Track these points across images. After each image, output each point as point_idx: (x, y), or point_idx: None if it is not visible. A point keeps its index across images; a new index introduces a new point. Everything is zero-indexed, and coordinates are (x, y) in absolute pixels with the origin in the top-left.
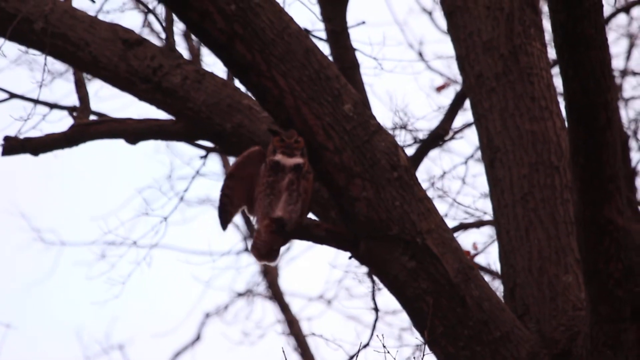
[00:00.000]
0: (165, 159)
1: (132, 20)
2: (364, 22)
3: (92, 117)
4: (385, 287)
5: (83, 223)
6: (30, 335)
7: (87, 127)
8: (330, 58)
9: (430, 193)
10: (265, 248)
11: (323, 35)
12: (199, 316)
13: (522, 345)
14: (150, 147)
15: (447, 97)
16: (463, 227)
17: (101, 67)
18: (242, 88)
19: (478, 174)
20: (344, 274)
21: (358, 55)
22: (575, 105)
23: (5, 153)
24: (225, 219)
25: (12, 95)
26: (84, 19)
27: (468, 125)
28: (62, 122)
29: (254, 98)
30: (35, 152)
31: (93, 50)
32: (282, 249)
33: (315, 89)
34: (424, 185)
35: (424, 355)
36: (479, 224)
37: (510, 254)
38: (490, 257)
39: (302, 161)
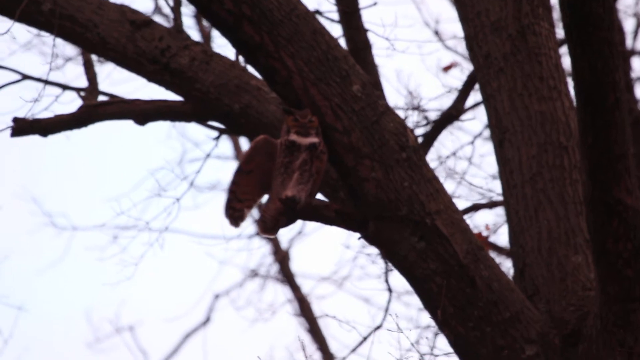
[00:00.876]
0: (176, 142)
1: (143, 3)
2: (375, 3)
3: (102, 98)
4: (395, 267)
5: (95, 207)
6: (41, 318)
7: (96, 108)
8: (343, 39)
9: (439, 173)
10: (272, 223)
11: (335, 16)
12: (210, 298)
13: (532, 326)
14: (161, 130)
15: (455, 77)
16: (475, 207)
17: (109, 48)
18: (250, 69)
19: (486, 153)
20: (356, 253)
21: (370, 35)
22: (583, 85)
23: (14, 134)
24: (231, 215)
25: (24, 77)
26: (92, 0)
27: (477, 104)
28: (74, 104)
29: (262, 79)
30: (44, 133)
31: (101, 32)
32: (290, 225)
33: (324, 69)
34: (433, 165)
35: (436, 336)
36: (491, 204)
37: (519, 234)
38: (503, 238)
39: (317, 140)
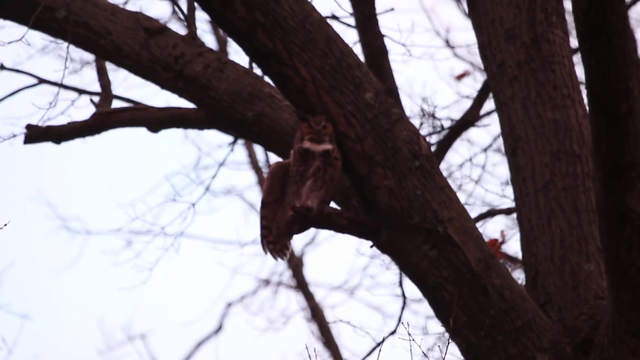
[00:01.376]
0: (191, 147)
1: (159, 10)
2: (392, 9)
3: (117, 103)
4: (407, 276)
5: (109, 211)
6: (53, 325)
7: (109, 115)
8: (359, 45)
9: (450, 182)
10: (285, 230)
11: (351, 21)
12: (222, 306)
13: (544, 334)
14: (177, 135)
15: (468, 86)
16: (489, 214)
17: (123, 56)
18: (264, 76)
19: (498, 162)
20: (369, 261)
21: (386, 41)
22: (597, 93)
23: (27, 141)
24: (273, 250)
25: (41, 81)
26: (106, 7)
27: (490, 112)
28: (91, 108)
29: (275, 86)
30: (57, 140)
31: (115, 39)
32: (303, 232)
33: (337, 77)
34: (444, 173)
35: (448, 344)
36: (505, 211)
37: (532, 242)
38: (515, 246)
39: (330, 147)
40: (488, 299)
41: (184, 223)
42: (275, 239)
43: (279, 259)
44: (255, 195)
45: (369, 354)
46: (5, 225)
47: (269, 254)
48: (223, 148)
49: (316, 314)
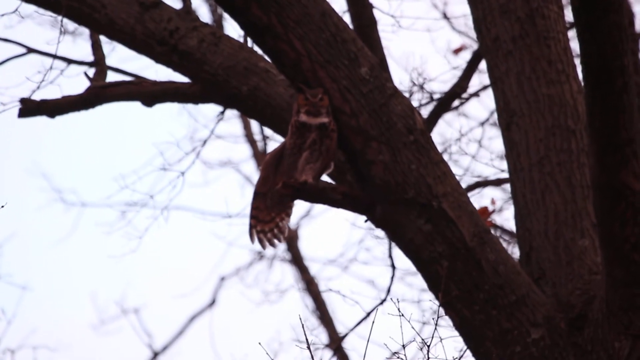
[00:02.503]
0: (186, 119)
1: None
2: None
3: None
4: (401, 250)
5: (104, 184)
6: (47, 299)
7: (104, 89)
8: (348, 15)
9: (445, 156)
10: (278, 200)
11: None
12: (216, 279)
13: (538, 309)
14: (172, 107)
15: (464, 59)
16: (481, 184)
17: (117, 30)
18: (259, 51)
19: (494, 136)
20: (364, 234)
21: (376, 12)
22: (592, 69)
23: (21, 115)
24: (262, 239)
25: (30, 50)
26: None
27: (484, 87)
28: (80, 78)
29: (270, 61)
30: (51, 114)
31: (109, 12)
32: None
33: (332, 52)
34: (439, 148)
35: (438, 318)
36: (498, 181)
37: (526, 217)
38: (508, 214)
39: (327, 120)
40: (482, 274)
41: (174, 192)
42: (269, 207)
43: (268, 246)
44: (251, 168)
45: (358, 324)
46: (3, 207)
47: (256, 241)
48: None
49: (311, 287)
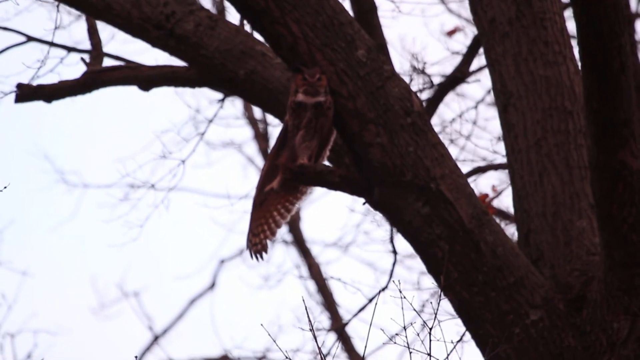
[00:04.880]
0: (184, 104)
1: None
2: None
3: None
4: (400, 233)
5: (106, 166)
6: (47, 283)
7: (100, 74)
8: (348, 0)
9: (442, 137)
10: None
11: None
12: (216, 262)
13: (537, 291)
14: (170, 92)
15: (459, 42)
16: (481, 169)
17: (114, 14)
18: (256, 34)
19: (490, 117)
20: (362, 217)
21: None
22: (589, 50)
23: (18, 100)
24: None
25: (29, 39)
26: None
27: (482, 68)
28: (80, 65)
29: (267, 44)
30: (48, 99)
31: None
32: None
33: (329, 35)
34: (437, 129)
35: (440, 300)
36: (497, 166)
37: (524, 199)
38: (508, 202)
39: (323, 99)
40: (481, 256)
41: (174, 179)
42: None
43: (258, 258)
44: (253, 149)
45: (360, 311)
46: (5, 187)
47: (252, 254)
48: (216, 105)
49: (312, 270)
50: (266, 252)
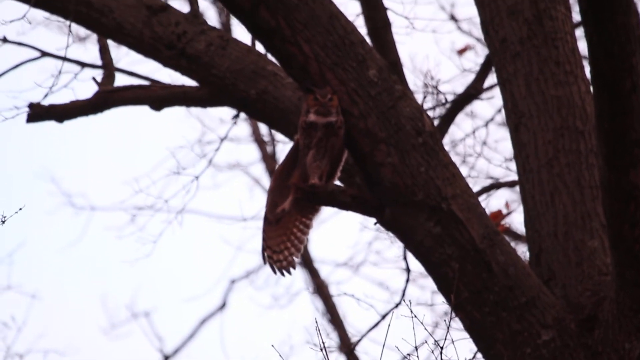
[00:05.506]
0: (195, 124)
1: None
2: None
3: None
4: (411, 252)
5: (114, 188)
6: (57, 303)
7: (112, 93)
8: (362, 17)
9: (453, 156)
10: (292, 208)
11: None
12: (226, 282)
13: (548, 311)
14: (180, 111)
15: (469, 60)
16: (493, 187)
17: (126, 34)
18: (267, 54)
19: (501, 138)
20: (373, 236)
21: (389, 14)
22: (600, 70)
23: (30, 120)
24: (279, 267)
25: (43, 54)
26: None
27: (492, 86)
28: (92, 81)
29: (278, 64)
30: (60, 119)
31: (117, 17)
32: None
33: (340, 54)
34: (447, 148)
35: (450, 319)
36: (511, 183)
37: (535, 219)
38: (519, 222)
39: (334, 119)
40: (492, 276)
41: (187, 196)
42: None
43: (284, 274)
44: (260, 170)
45: (373, 327)
46: (21, 209)
47: (269, 266)
48: (226, 124)
49: (321, 290)
50: (294, 267)
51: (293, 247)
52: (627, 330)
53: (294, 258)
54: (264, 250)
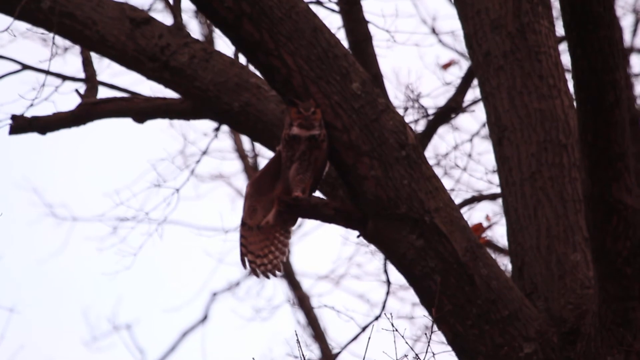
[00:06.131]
0: (177, 136)
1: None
2: None
3: (102, 91)
4: (394, 265)
5: (95, 199)
6: (38, 316)
7: (95, 105)
8: (343, 30)
9: (436, 169)
10: (275, 221)
11: (335, 7)
12: (208, 295)
13: (531, 324)
14: (162, 124)
15: (453, 75)
16: (476, 199)
17: (109, 46)
18: (250, 67)
19: (484, 151)
20: (355, 249)
21: (371, 27)
22: (583, 83)
23: (12, 132)
24: (257, 271)
25: (24, 67)
26: None
27: (476, 101)
28: (74, 94)
29: (261, 77)
30: (42, 131)
31: (101, 29)
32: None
33: (323, 67)
34: (431, 161)
35: (431, 333)
36: (492, 196)
37: (518, 232)
38: (501, 235)
39: (317, 132)
40: (475, 289)
41: (168, 208)
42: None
43: (269, 277)
44: (242, 182)
45: (353, 339)
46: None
47: (250, 270)
48: (209, 136)
49: (303, 303)
50: (280, 270)
51: (277, 250)
52: (610, 344)
53: (279, 261)
54: (244, 255)
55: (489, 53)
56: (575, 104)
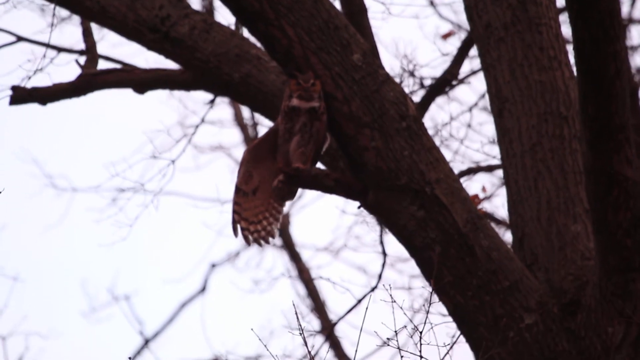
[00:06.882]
0: (177, 106)
1: None
2: None
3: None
4: (394, 236)
5: (95, 170)
6: (37, 286)
7: (95, 76)
8: (338, 1)
9: (436, 140)
10: (278, 195)
11: None
12: (207, 266)
13: (531, 295)
14: (162, 94)
15: (453, 45)
16: (473, 170)
17: (109, 17)
18: (251, 38)
19: (484, 122)
20: (353, 221)
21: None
22: (584, 55)
23: (13, 102)
24: (248, 238)
25: (19, 39)
26: None
27: (475, 72)
28: (70, 65)
29: (262, 48)
30: (43, 101)
31: (101, 0)
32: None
33: (324, 38)
34: (430, 132)
35: (430, 304)
36: (489, 168)
37: (518, 203)
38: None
39: (317, 104)
40: (475, 260)
41: (164, 180)
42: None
43: (261, 244)
44: (241, 153)
45: (350, 310)
46: (0, 192)
47: (240, 236)
48: (205, 107)
49: (302, 274)
50: (274, 237)
51: (272, 216)
52: (610, 315)
53: (273, 227)
54: (236, 222)
55: (490, 24)
56: (576, 75)
